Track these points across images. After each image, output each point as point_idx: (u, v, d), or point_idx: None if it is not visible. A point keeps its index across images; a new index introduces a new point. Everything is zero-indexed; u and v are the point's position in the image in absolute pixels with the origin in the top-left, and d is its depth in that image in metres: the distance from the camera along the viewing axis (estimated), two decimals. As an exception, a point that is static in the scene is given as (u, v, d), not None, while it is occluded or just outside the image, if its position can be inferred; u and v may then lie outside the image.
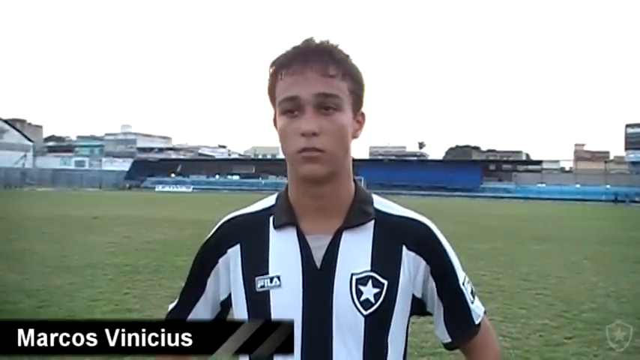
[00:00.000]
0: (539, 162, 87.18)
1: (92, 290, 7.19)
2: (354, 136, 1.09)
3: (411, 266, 1.08)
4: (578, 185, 72.77)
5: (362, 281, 1.05)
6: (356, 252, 1.07)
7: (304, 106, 1.01)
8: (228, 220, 1.17)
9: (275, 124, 1.09)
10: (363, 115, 1.10)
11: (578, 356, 4.90)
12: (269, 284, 1.06)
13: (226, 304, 1.16)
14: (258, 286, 1.07)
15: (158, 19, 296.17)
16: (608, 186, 70.09)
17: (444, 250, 1.12)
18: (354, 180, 1.13)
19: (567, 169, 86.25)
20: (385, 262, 1.07)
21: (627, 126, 78.69)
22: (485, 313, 1.17)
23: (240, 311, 1.10)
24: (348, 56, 1.05)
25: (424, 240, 1.10)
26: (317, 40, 1.04)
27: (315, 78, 1.00)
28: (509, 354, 4.83)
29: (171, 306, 1.23)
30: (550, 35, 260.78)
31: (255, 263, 1.09)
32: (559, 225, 22.09)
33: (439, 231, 1.13)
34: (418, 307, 1.12)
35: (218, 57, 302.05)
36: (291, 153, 1.03)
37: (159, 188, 76.45)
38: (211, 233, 1.17)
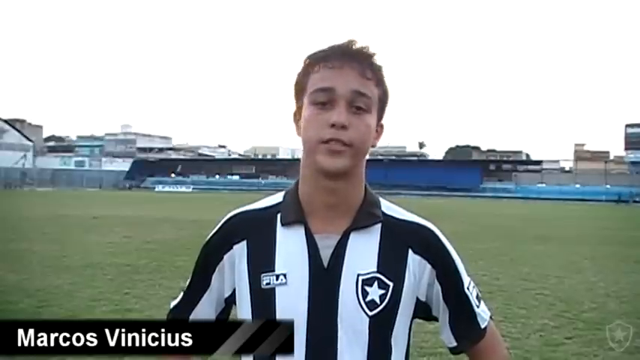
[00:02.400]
0: (539, 162, 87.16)
1: (92, 290, 7.19)
2: (372, 145, 1.10)
3: (417, 269, 1.09)
4: (578, 185, 72.73)
5: (368, 282, 1.05)
6: (363, 253, 1.07)
7: (338, 99, 1.02)
8: (234, 216, 1.16)
9: (295, 119, 1.10)
10: (382, 126, 1.12)
11: (578, 356, 4.90)
12: (275, 281, 1.06)
13: (230, 300, 1.15)
14: (264, 283, 1.06)
15: (158, 19, 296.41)
16: (608, 186, 70.09)
17: (450, 255, 1.13)
18: (364, 184, 1.14)
19: (567, 169, 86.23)
20: (391, 265, 1.08)
21: (627, 126, 78.76)
22: (491, 318, 1.18)
23: (244, 308, 1.10)
24: (382, 67, 1.08)
25: (430, 244, 1.12)
26: (358, 43, 1.07)
27: (354, 75, 1.03)
28: (509, 354, 4.83)
29: (173, 303, 1.23)
30: (550, 35, 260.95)
31: (261, 260, 1.08)
32: (559, 225, 22.10)
33: (444, 236, 1.15)
34: (423, 311, 1.13)
35: (218, 57, 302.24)
36: (315, 142, 1.03)
37: (159, 188, 76.39)
38: (216, 229, 1.16)
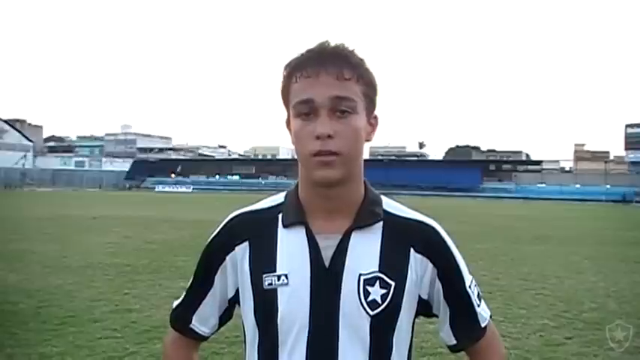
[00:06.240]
0: (539, 162, 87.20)
1: (92, 290, 7.18)
2: (367, 139, 1.08)
3: (418, 268, 1.09)
4: (578, 185, 72.70)
5: (369, 282, 1.05)
6: (364, 252, 1.07)
7: (319, 109, 1.01)
8: (236, 217, 1.16)
9: (288, 126, 1.09)
10: (376, 118, 1.11)
11: (578, 356, 4.90)
12: (277, 282, 1.06)
13: (233, 301, 1.16)
14: (266, 283, 1.06)
15: (158, 19, 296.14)
16: (608, 186, 70.05)
17: (452, 253, 1.13)
18: (364, 181, 1.13)
19: (567, 169, 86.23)
20: (393, 264, 1.07)
21: (627, 126, 78.75)
22: (490, 317, 1.17)
23: (247, 308, 1.11)
24: (362, 60, 1.05)
25: (432, 243, 1.11)
26: (332, 44, 1.04)
27: (331, 81, 1.01)
28: (509, 354, 4.83)
29: (175, 303, 1.22)
30: (550, 35, 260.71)
31: (263, 261, 1.08)
32: (559, 225, 22.07)
33: (446, 234, 1.14)
34: (424, 308, 1.13)
35: (218, 57, 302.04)
36: (306, 156, 1.02)
37: (159, 188, 76.31)
38: (218, 229, 1.16)
